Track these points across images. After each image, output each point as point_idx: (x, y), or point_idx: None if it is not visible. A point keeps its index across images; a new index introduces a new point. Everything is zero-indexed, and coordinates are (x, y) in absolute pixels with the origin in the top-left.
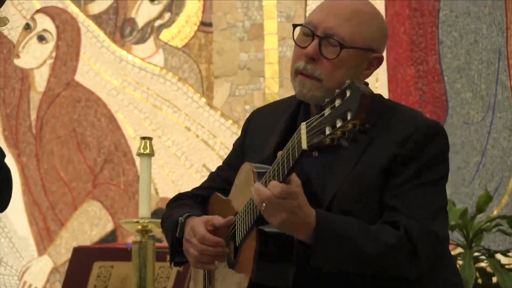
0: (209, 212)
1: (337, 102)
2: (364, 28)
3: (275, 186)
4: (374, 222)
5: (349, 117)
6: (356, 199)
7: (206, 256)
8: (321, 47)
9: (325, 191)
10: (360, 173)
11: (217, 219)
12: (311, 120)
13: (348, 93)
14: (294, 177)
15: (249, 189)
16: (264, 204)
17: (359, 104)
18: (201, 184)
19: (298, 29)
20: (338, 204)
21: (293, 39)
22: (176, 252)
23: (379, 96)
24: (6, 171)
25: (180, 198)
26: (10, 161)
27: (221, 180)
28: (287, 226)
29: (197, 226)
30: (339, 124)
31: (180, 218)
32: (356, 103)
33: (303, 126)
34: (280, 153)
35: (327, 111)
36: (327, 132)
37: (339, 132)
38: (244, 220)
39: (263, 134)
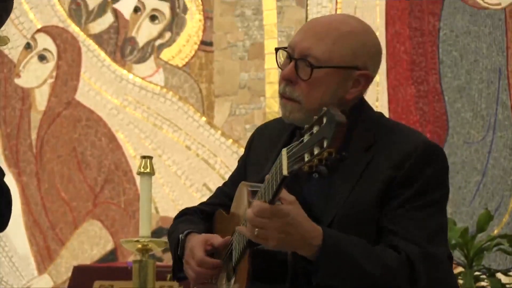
0: (214, 228)
1: (315, 129)
2: (340, 45)
3: (255, 205)
4: (372, 245)
5: (325, 145)
6: (354, 222)
7: (203, 277)
8: (298, 69)
9: (323, 215)
10: (358, 196)
11: (216, 239)
12: (291, 146)
13: (324, 120)
14: (285, 195)
15: (244, 208)
16: (256, 231)
17: (333, 133)
18: (207, 199)
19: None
20: (336, 227)
21: (277, 63)
22: (178, 268)
23: (380, 115)
24: (6, 191)
25: (186, 213)
26: (10, 180)
27: (225, 196)
28: (282, 245)
29: (196, 248)
30: (316, 151)
31: (180, 236)
32: (331, 132)
33: (284, 152)
34: (267, 176)
35: (306, 138)
36: (306, 159)
37: (316, 160)
38: (239, 240)
39: (264, 152)
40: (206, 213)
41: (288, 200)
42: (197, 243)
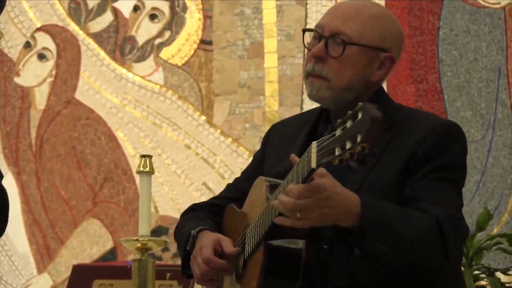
0: (224, 223)
1: (349, 124)
2: (370, 26)
3: (292, 189)
4: None
5: (358, 140)
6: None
7: (208, 276)
8: (328, 47)
9: None
10: (379, 173)
11: (227, 245)
12: (322, 140)
13: (359, 115)
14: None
15: (261, 202)
16: (298, 215)
17: (368, 128)
18: (219, 194)
19: (310, 35)
20: None
21: (303, 44)
22: (188, 264)
23: (399, 105)
24: (1, 197)
25: (194, 210)
26: (10, 179)
27: (238, 190)
28: (325, 220)
29: (205, 247)
30: (348, 146)
31: (192, 232)
32: (365, 127)
33: (313, 145)
34: (293, 169)
35: (338, 132)
36: (337, 153)
37: (348, 154)
38: (253, 234)
39: (283, 146)
40: (217, 207)
41: (320, 174)
42: (208, 241)
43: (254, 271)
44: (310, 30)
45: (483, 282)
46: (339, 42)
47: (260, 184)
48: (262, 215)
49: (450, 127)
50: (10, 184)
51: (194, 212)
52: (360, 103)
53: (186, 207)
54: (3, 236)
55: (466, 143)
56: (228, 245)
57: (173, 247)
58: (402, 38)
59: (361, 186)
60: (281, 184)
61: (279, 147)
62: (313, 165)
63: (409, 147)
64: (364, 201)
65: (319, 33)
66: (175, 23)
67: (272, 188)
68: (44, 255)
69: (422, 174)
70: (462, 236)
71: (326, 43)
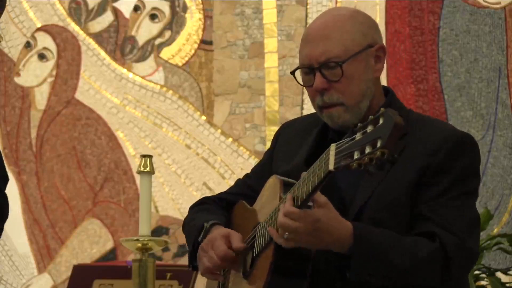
0: (233, 219)
1: (369, 128)
2: (348, 34)
3: (289, 211)
4: (401, 232)
5: (378, 145)
6: (385, 209)
7: (219, 270)
8: (325, 75)
9: (353, 202)
10: (390, 184)
11: (235, 240)
12: (341, 143)
13: (381, 121)
14: (317, 196)
15: (274, 201)
16: (286, 235)
17: (390, 134)
18: (228, 189)
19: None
20: (367, 214)
21: (298, 83)
22: (196, 256)
23: (410, 110)
24: (1, 205)
25: (204, 203)
26: (10, 179)
27: (246, 187)
28: (314, 247)
29: (218, 240)
30: (368, 150)
31: (205, 224)
32: (387, 132)
33: (332, 147)
34: (303, 174)
35: (358, 136)
36: (355, 156)
37: (366, 158)
38: (264, 232)
39: (293, 146)
40: (226, 202)
41: (320, 202)
42: (218, 236)
43: (262, 268)
44: (296, 69)
45: (483, 282)
46: (333, 65)
47: (273, 182)
48: (274, 213)
49: (463, 138)
50: (10, 184)
51: (204, 205)
52: (382, 109)
53: (187, 207)
54: (3, 236)
55: (479, 152)
56: (237, 240)
57: (174, 247)
58: (374, 21)
59: (372, 195)
60: (294, 186)
61: (288, 146)
62: (331, 167)
63: (421, 159)
64: (356, 235)
65: (308, 68)
66: (175, 23)
67: (286, 186)
68: (44, 255)
69: (437, 192)
70: (468, 265)
71: (322, 73)
